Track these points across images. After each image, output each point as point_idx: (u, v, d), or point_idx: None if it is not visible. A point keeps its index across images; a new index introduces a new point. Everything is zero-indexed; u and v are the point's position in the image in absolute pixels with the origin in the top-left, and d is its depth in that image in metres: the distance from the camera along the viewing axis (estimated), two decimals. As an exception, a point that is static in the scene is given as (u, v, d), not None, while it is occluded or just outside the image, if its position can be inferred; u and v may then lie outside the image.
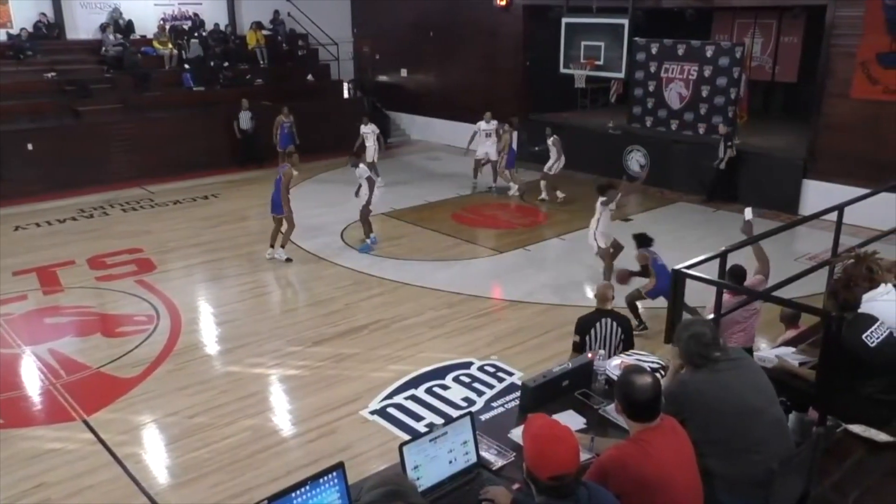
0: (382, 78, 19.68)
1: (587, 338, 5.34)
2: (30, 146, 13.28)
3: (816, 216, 5.70)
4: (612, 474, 2.70)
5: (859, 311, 3.84)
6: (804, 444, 3.12)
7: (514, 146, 13.18)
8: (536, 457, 2.45)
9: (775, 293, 4.45)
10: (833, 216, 5.62)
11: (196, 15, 17.72)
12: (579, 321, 5.44)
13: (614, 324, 5.36)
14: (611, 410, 3.61)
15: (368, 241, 10.32)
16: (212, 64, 16.77)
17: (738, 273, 5.57)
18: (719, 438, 3.03)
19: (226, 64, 16.94)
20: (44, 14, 15.83)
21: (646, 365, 3.91)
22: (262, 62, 17.68)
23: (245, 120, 15.07)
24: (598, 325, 5.34)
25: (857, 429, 3.57)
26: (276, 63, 17.95)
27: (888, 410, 3.68)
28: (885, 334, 3.69)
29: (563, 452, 2.42)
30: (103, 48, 15.92)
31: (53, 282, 9.20)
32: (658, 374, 3.65)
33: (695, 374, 3.15)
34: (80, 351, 7.34)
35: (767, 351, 4.75)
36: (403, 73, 19.09)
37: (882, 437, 3.51)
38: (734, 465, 3.00)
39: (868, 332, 3.66)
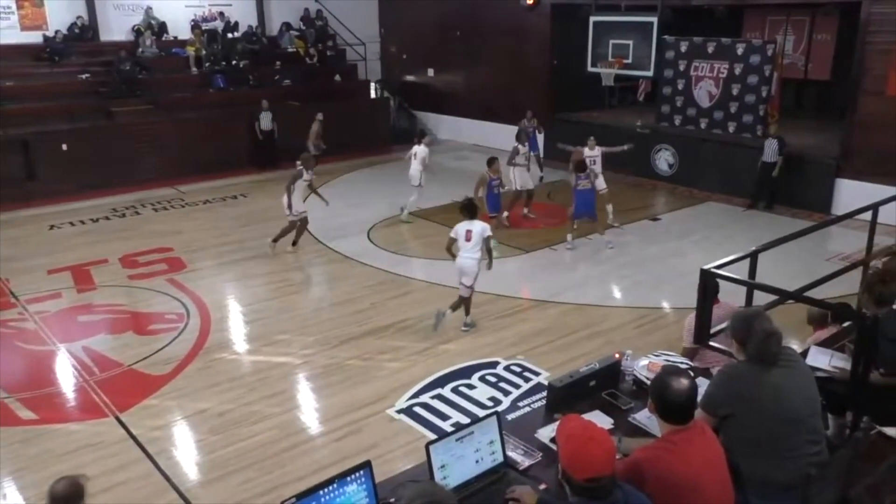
0: (409, 78, 19.70)
1: None
2: (64, 147, 13.51)
3: (850, 215, 5.62)
4: (641, 475, 2.67)
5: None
6: (840, 448, 3.06)
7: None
8: (572, 458, 2.43)
9: (807, 294, 4.37)
10: (867, 216, 5.53)
11: (222, 14, 17.85)
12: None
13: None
14: (639, 417, 3.57)
15: None
16: (241, 65, 16.92)
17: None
18: (755, 439, 2.99)
19: (242, 63, 16.99)
20: (80, 16, 16.09)
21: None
22: (309, 60, 17.98)
23: (266, 121, 15.08)
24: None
25: (891, 431, 3.51)
26: (304, 64, 18.05)
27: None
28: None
29: (599, 454, 2.41)
30: (140, 50, 16.12)
31: (87, 280, 9.36)
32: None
33: (751, 368, 3.10)
34: (112, 348, 7.46)
35: (819, 354, 4.01)
36: (430, 72, 19.10)
37: (917, 440, 3.45)
38: (766, 468, 2.96)
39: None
